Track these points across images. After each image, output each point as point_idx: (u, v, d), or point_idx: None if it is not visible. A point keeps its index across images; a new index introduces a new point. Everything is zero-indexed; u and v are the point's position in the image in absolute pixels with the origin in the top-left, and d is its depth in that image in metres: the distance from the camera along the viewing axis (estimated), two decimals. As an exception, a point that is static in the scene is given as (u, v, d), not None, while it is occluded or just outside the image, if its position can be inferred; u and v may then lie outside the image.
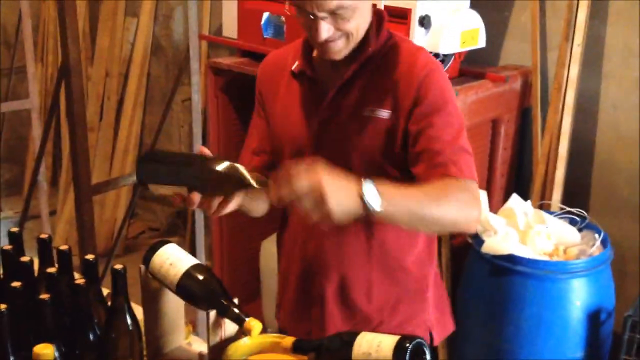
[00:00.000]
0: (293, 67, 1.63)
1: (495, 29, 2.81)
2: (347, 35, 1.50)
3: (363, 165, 1.54)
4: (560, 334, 2.27)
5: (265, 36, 2.80)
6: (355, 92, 1.56)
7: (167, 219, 4.26)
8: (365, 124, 1.53)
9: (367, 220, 1.47)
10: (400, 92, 1.52)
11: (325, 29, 1.46)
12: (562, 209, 2.57)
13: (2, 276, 1.42)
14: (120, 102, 4.06)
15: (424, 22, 2.38)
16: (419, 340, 1.24)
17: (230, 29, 2.99)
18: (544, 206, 2.62)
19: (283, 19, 2.73)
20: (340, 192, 1.27)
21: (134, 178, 2.76)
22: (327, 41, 1.48)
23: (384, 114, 1.52)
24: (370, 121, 1.53)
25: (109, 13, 4.02)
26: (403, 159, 1.54)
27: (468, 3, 2.56)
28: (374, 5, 1.57)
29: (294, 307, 1.75)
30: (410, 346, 1.22)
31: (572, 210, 2.52)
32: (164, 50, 4.02)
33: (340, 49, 1.51)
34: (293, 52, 1.66)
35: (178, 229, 4.14)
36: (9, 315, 1.21)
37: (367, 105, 1.54)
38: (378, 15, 1.57)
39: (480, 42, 2.56)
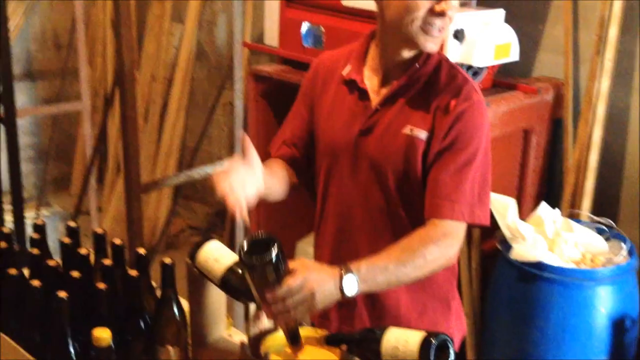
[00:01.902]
0: (344, 72, 1.67)
1: (530, 41, 2.88)
2: (450, 20, 1.54)
3: (394, 179, 1.60)
4: (585, 340, 2.33)
5: (305, 45, 2.91)
6: (399, 108, 1.60)
7: (207, 218, 4.40)
8: (403, 141, 1.58)
9: (402, 235, 1.56)
10: (438, 118, 1.56)
11: (445, 7, 1.50)
12: (590, 218, 2.63)
13: (62, 267, 1.53)
14: (165, 105, 4.21)
15: (458, 35, 2.47)
16: (443, 336, 1.34)
17: (271, 37, 3.11)
18: (573, 215, 2.68)
19: (322, 28, 2.84)
20: (325, 290, 1.39)
21: (179, 179, 2.89)
22: (440, 29, 1.53)
23: (422, 135, 1.57)
24: (408, 140, 1.58)
25: (155, 19, 4.17)
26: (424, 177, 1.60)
27: (502, 17, 2.64)
28: None
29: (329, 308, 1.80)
30: (436, 342, 1.32)
31: (600, 219, 2.57)
32: (207, 56, 4.16)
33: (440, 41, 1.57)
34: (345, 57, 1.70)
35: (217, 227, 4.27)
36: (69, 303, 1.32)
37: (407, 123, 1.58)
38: None
39: (513, 55, 2.64)
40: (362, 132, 1.63)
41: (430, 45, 1.56)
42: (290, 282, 1.36)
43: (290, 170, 1.74)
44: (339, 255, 1.72)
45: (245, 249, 1.35)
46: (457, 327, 1.79)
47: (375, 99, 1.63)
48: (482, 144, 1.58)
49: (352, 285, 1.41)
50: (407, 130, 1.58)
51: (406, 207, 1.63)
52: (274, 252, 1.34)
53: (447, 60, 1.64)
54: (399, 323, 1.67)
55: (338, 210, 1.70)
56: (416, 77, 1.60)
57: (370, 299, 1.70)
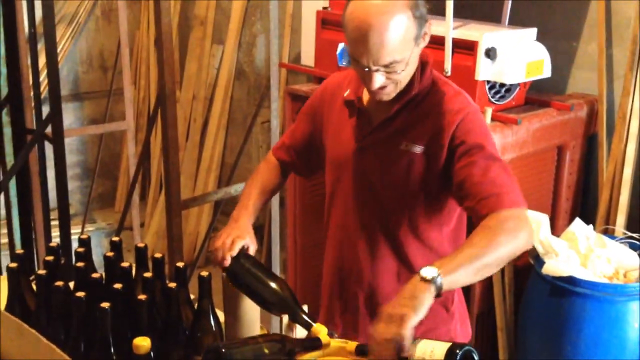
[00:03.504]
0: (345, 94, 1.78)
1: (564, 59, 2.90)
2: (397, 83, 1.64)
3: (389, 191, 1.70)
4: (618, 355, 2.33)
5: (340, 65, 2.98)
6: (395, 127, 1.69)
7: (246, 234, 4.47)
8: (400, 156, 1.68)
9: (397, 245, 1.67)
10: (436, 131, 1.64)
11: (378, 80, 1.60)
12: (625, 233, 2.63)
13: (105, 279, 1.61)
14: (205, 124, 4.32)
15: (490, 54, 2.51)
16: (468, 347, 1.38)
17: (308, 57, 3.18)
18: (608, 231, 2.68)
19: (357, 49, 2.90)
20: (417, 306, 1.37)
21: (218, 195, 2.97)
22: (379, 89, 1.63)
23: (417, 149, 1.66)
24: (405, 154, 1.67)
25: (197, 41, 4.29)
26: (435, 188, 1.67)
27: (534, 35, 2.67)
28: (423, 51, 1.68)
29: (327, 311, 1.89)
30: (460, 352, 1.36)
31: (634, 235, 2.57)
32: (246, 75, 4.26)
33: (389, 93, 1.66)
34: (348, 80, 1.81)
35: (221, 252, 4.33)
36: (111, 313, 1.39)
37: (404, 141, 1.68)
38: (423, 61, 1.69)
39: (546, 73, 2.66)
40: (360, 148, 1.73)
41: (376, 98, 1.65)
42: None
43: (279, 172, 1.96)
44: (340, 265, 1.83)
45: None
46: (461, 332, 1.84)
47: (374, 118, 1.73)
48: (490, 139, 1.65)
49: (430, 272, 1.40)
50: (403, 146, 1.68)
51: (402, 219, 1.71)
52: None
53: (438, 77, 1.73)
54: None
55: (340, 222, 1.81)
56: (411, 99, 1.67)
57: (371, 304, 1.78)
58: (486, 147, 1.62)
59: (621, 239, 2.60)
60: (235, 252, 1.67)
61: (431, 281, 1.39)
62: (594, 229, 2.62)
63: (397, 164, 1.68)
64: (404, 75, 1.63)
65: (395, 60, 1.57)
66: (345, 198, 1.79)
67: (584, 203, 2.91)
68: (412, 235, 1.72)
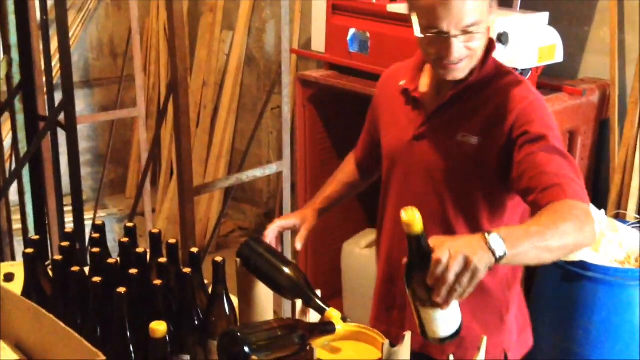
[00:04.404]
0: (401, 83, 1.74)
1: (576, 43, 2.88)
2: (471, 56, 1.56)
3: (447, 183, 1.63)
4: (629, 339, 2.33)
5: (351, 51, 2.97)
6: (451, 115, 1.63)
7: (256, 219, 4.49)
8: (455, 147, 1.61)
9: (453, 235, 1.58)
10: (495, 121, 1.57)
11: (459, 48, 1.52)
12: (637, 218, 2.62)
13: (120, 264, 1.62)
14: (215, 110, 4.33)
15: (502, 38, 2.50)
16: None
17: (318, 43, 3.18)
18: (619, 215, 2.68)
19: (368, 34, 2.90)
20: (476, 251, 1.26)
21: (229, 182, 2.98)
22: (454, 63, 1.54)
23: (474, 140, 1.59)
24: (460, 145, 1.61)
25: (207, 27, 4.29)
26: (494, 184, 1.59)
27: (546, 19, 2.66)
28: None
29: (376, 306, 1.87)
30: None
31: (646, 220, 2.58)
32: (256, 62, 4.26)
33: (464, 68, 1.57)
34: (404, 70, 1.77)
35: (265, 228, 4.35)
36: (127, 298, 1.41)
37: (460, 131, 1.61)
38: (487, 45, 1.61)
39: (558, 57, 2.65)
40: (415, 137, 1.68)
41: (449, 76, 1.59)
42: (437, 257, 1.25)
43: (356, 170, 1.98)
44: (391, 257, 1.77)
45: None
46: (517, 344, 1.76)
47: (429, 107, 1.68)
48: (554, 131, 1.54)
49: (498, 244, 1.28)
50: (459, 137, 1.61)
51: (460, 213, 1.64)
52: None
53: (501, 65, 1.65)
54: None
55: (394, 213, 1.74)
56: (469, 86, 1.62)
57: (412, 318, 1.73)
58: (549, 138, 1.52)
59: (633, 223, 2.59)
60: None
61: (494, 254, 1.28)
62: (606, 214, 2.61)
63: (454, 155, 1.62)
64: (480, 45, 1.55)
65: (476, 22, 1.50)
66: (400, 189, 1.74)
67: (595, 188, 2.91)
68: (473, 231, 1.58)
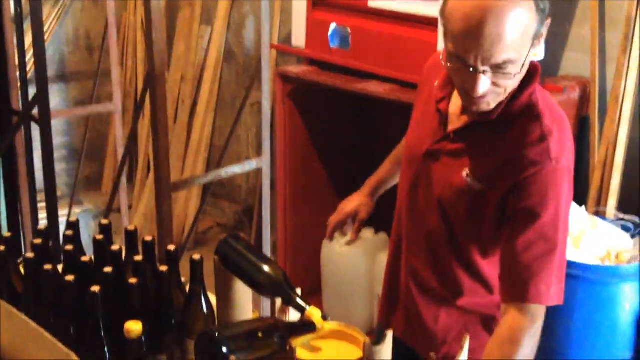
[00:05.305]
0: (435, 83, 1.60)
1: (556, 41, 2.88)
2: (500, 93, 1.40)
3: (450, 208, 1.55)
4: (609, 337, 2.33)
5: (331, 46, 2.95)
6: (465, 146, 1.51)
7: (235, 215, 4.46)
8: (459, 182, 1.51)
9: (456, 251, 1.58)
10: (499, 175, 1.45)
11: (484, 84, 1.36)
12: (616, 215, 2.63)
13: (94, 262, 1.58)
14: (194, 106, 4.28)
15: (483, 34, 2.48)
16: None
17: (298, 38, 3.14)
18: (599, 212, 2.68)
19: (349, 30, 2.88)
20: None
21: (208, 178, 2.94)
22: (480, 96, 1.39)
23: (475, 184, 1.48)
24: (463, 184, 1.50)
25: (185, 21, 4.24)
26: (491, 231, 1.52)
27: (527, 16, 2.65)
28: (531, 62, 1.43)
29: (384, 303, 1.85)
30: None
31: (626, 217, 2.57)
32: (235, 57, 4.21)
33: (490, 102, 1.42)
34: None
35: (244, 225, 4.32)
36: (101, 297, 1.37)
37: (466, 167, 1.50)
38: (527, 74, 1.43)
39: (539, 55, 2.64)
40: (429, 152, 1.58)
41: (473, 107, 1.45)
42: None
43: None
44: (397, 257, 1.74)
45: None
46: None
47: (450, 124, 1.55)
48: (554, 207, 1.43)
49: None
50: (464, 173, 1.50)
51: (468, 235, 1.57)
52: None
53: (534, 105, 1.46)
54: (435, 339, 1.70)
55: (397, 219, 1.73)
56: (490, 121, 1.47)
57: (408, 316, 1.72)
58: (543, 217, 1.41)
59: (613, 220, 2.60)
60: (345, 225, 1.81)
61: None
62: (586, 210, 2.61)
63: (457, 189, 1.52)
64: (511, 84, 1.38)
65: (510, 60, 1.33)
66: (407, 195, 1.66)
67: (575, 185, 2.89)
68: (479, 254, 1.58)
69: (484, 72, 1.35)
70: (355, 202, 1.88)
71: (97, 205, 4.50)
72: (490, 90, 1.39)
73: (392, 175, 1.88)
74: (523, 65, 1.36)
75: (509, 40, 1.31)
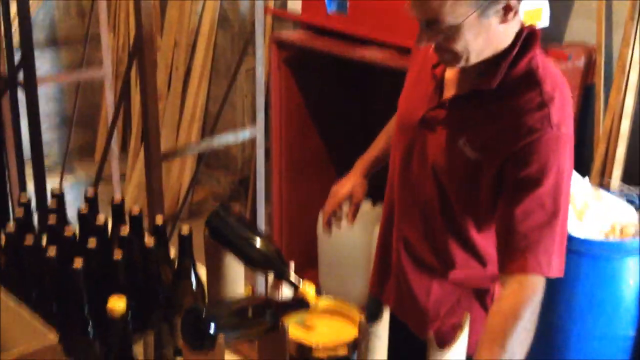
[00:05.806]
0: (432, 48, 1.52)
1: (562, 7, 2.79)
2: (455, 54, 1.38)
3: (445, 178, 1.51)
4: (613, 312, 2.29)
5: (328, 11, 2.85)
6: (462, 114, 1.48)
7: (230, 186, 4.39)
8: (455, 152, 1.48)
9: (453, 223, 1.53)
10: (496, 144, 1.42)
11: (423, 38, 1.38)
12: (621, 187, 2.56)
13: (78, 236, 1.52)
14: (188, 72, 4.18)
15: None
16: None
17: (294, 2, 3.06)
18: (603, 184, 2.62)
19: (347, -7, 2.78)
20: None
21: (201, 147, 2.88)
22: (434, 49, 1.40)
23: (471, 154, 1.44)
24: (459, 153, 1.46)
25: (178, -15, 4.12)
26: (489, 201, 1.47)
27: (532, -20, 2.56)
28: (529, 28, 1.43)
29: (375, 273, 1.82)
30: None
31: (631, 188, 2.51)
32: (230, 23, 4.11)
33: (449, 61, 1.42)
34: None
35: (240, 196, 4.27)
36: (85, 272, 1.31)
37: (463, 136, 1.46)
38: (525, 41, 1.41)
39: (544, 21, 2.56)
40: (424, 119, 1.53)
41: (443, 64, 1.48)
42: None
43: None
44: (389, 225, 1.70)
45: None
46: None
47: (447, 91, 1.51)
48: (555, 175, 1.39)
49: None
50: (460, 142, 1.46)
51: (463, 205, 1.53)
52: None
53: (534, 72, 1.42)
54: (426, 314, 1.66)
55: (390, 186, 1.68)
56: (489, 90, 1.43)
57: (399, 288, 1.67)
58: (543, 185, 1.38)
59: (618, 192, 2.53)
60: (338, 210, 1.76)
61: None
62: (590, 182, 2.55)
63: (452, 159, 1.48)
64: (461, 47, 1.36)
65: (438, 20, 1.33)
66: (400, 166, 1.61)
67: (579, 156, 2.82)
68: (473, 224, 1.54)
69: (422, 25, 1.37)
70: (349, 184, 1.81)
71: (89, 175, 4.42)
72: (444, 48, 1.39)
73: (386, 153, 1.79)
74: (461, 33, 1.34)
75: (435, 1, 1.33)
